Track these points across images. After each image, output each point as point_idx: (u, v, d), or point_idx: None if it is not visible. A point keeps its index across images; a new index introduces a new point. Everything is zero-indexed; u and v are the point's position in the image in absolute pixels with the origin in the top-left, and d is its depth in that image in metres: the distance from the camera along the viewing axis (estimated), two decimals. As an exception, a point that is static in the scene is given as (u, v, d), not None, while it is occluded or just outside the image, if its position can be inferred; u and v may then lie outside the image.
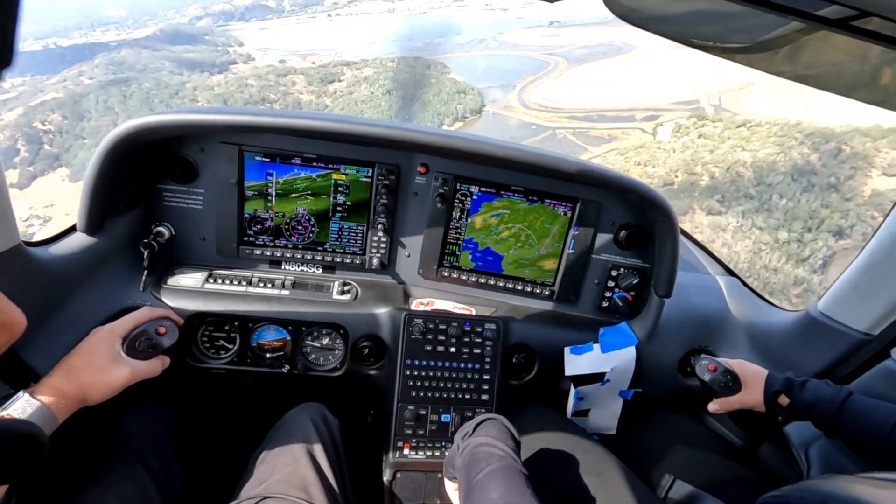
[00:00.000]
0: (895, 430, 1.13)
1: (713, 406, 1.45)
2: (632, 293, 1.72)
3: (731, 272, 2.00)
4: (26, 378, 1.17)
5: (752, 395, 1.39)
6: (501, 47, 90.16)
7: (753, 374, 1.41)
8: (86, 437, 1.24)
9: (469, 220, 1.67)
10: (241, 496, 1.24)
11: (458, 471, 1.17)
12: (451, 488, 1.32)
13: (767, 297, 1.85)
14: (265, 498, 1.20)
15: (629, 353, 1.67)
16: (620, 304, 1.70)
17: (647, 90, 63.02)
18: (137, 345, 1.23)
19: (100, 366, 1.15)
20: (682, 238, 1.59)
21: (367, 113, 57.60)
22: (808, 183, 31.76)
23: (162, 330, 1.28)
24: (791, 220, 29.19)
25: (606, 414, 1.80)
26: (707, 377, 1.44)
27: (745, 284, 1.91)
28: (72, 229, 1.41)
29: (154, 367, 1.25)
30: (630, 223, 1.64)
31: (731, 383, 1.41)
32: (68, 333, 1.27)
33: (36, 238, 1.31)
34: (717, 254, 2.11)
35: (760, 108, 52.26)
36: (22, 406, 0.98)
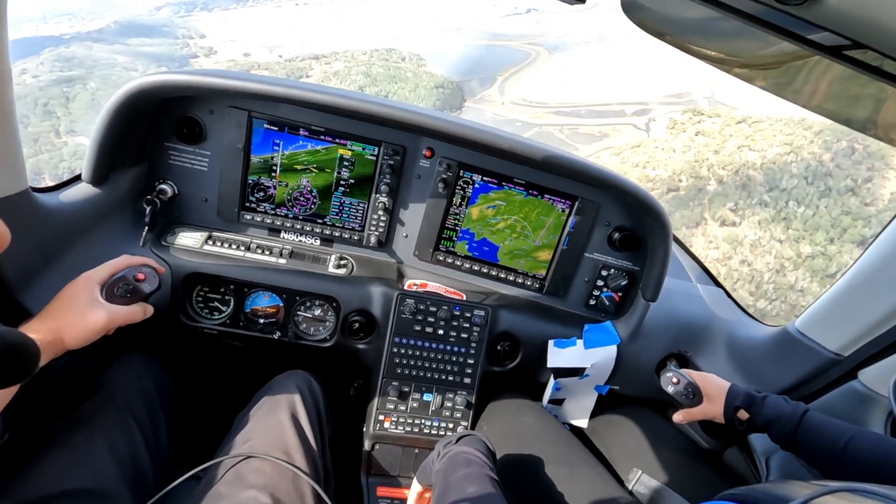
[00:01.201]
0: (847, 447, 1.17)
1: (677, 416, 1.49)
2: (619, 294, 1.76)
3: (717, 283, 2.04)
4: (21, 320, 1.16)
5: (713, 408, 1.43)
6: (479, 36, 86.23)
7: (716, 388, 1.44)
8: (77, 384, 1.28)
9: (466, 210, 1.68)
10: (225, 454, 1.28)
11: (435, 473, 1.20)
12: (416, 491, 1.34)
13: (750, 311, 1.91)
14: (248, 457, 1.23)
15: (610, 351, 1.72)
16: (607, 303, 1.75)
17: (635, 81, 60.26)
18: (116, 290, 1.21)
19: (77, 310, 1.13)
20: (673, 245, 1.61)
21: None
22: (824, 187, 29.38)
23: (141, 276, 1.25)
24: (812, 231, 26.80)
25: (580, 406, 1.86)
26: (670, 389, 1.47)
27: (729, 296, 1.97)
28: (76, 178, 1.42)
29: (132, 311, 1.21)
30: (625, 226, 1.67)
31: (693, 395, 1.45)
32: (66, 280, 1.25)
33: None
34: (708, 265, 2.17)
35: (757, 102, 49.98)
36: None
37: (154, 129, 1.51)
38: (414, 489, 1.34)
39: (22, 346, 0.53)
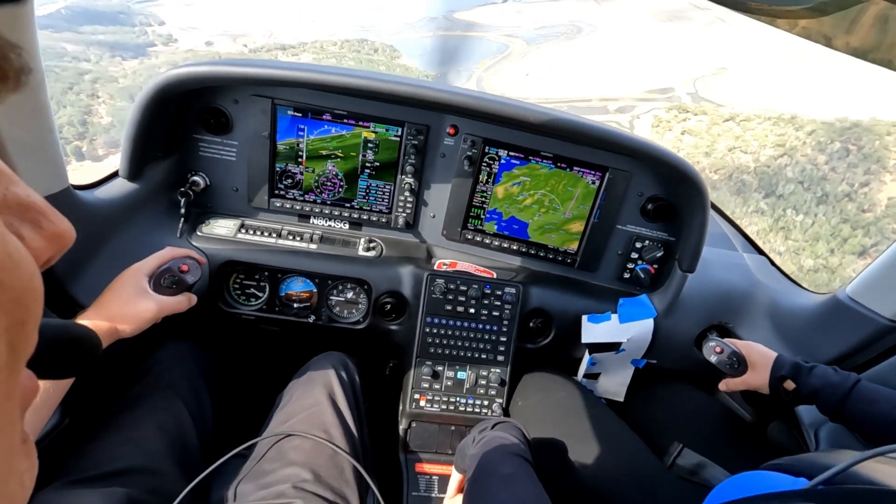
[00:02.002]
0: None
1: (721, 386, 1.47)
2: (655, 266, 1.71)
3: (759, 250, 1.97)
4: (74, 311, 1.23)
5: (757, 378, 1.40)
6: (455, 27, 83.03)
7: (761, 357, 1.41)
8: (127, 370, 1.35)
9: (493, 189, 1.66)
10: (266, 433, 1.34)
11: (470, 458, 1.20)
12: (456, 479, 1.35)
13: (796, 279, 1.83)
14: (288, 435, 1.29)
15: (647, 325, 1.68)
16: (642, 276, 1.69)
17: (615, 76, 58.40)
18: (162, 281, 1.27)
19: (128, 300, 1.20)
20: (711, 212, 1.56)
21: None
22: (821, 192, 27.97)
23: (185, 267, 1.31)
24: (813, 241, 25.36)
25: (616, 380, 1.83)
26: (713, 359, 1.45)
27: (772, 264, 1.88)
28: (114, 175, 1.47)
29: (179, 301, 1.28)
30: (659, 195, 1.61)
31: (737, 365, 1.42)
32: (111, 272, 1.31)
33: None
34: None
35: (741, 97, 48.34)
36: None
37: (182, 122, 1.53)
38: (454, 478, 1.35)
39: (85, 338, 0.56)
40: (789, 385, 1.33)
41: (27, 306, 0.30)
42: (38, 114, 1.04)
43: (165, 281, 1.27)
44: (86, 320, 1.13)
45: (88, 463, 1.10)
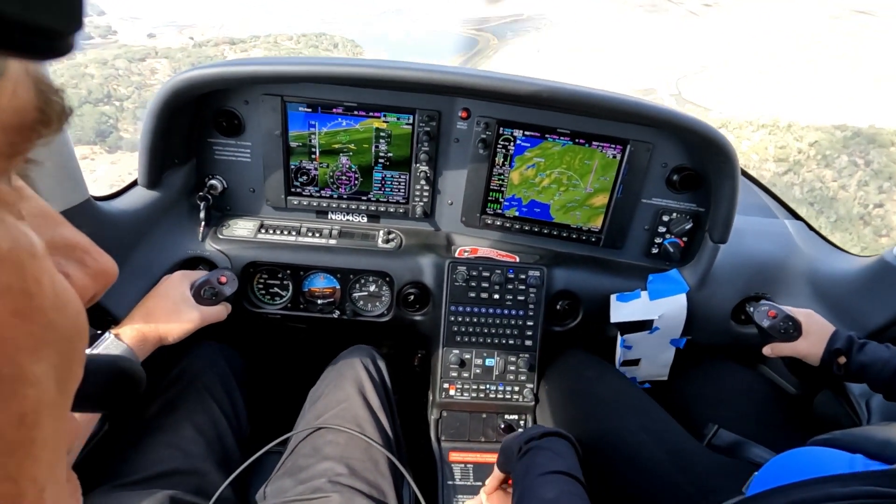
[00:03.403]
0: None
1: (766, 350, 1.42)
2: (684, 238, 1.65)
3: (795, 215, 1.89)
4: (105, 320, 1.28)
5: (809, 347, 1.35)
6: (421, 20, 78.05)
7: (819, 327, 1.36)
8: (162, 374, 1.37)
9: (509, 172, 1.61)
10: (299, 428, 1.37)
11: (515, 473, 1.17)
12: (497, 477, 1.32)
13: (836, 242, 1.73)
14: (320, 429, 1.31)
15: (679, 300, 1.62)
16: (671, 250, 1.64)
17: (594, 75, 55.19)
18: (203, 292, 1.32)
19: (174, 309, 1.26)
20: (741, 179, 1.49)
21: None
22: (835, 216, 25.19)
23: (223, 279, 1.37)
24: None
25: (658, 362, 1.78)
26: (766, 323, 1.40)
27: (810, 228, 1.80)
28: (133, 184, 1.47)
29: (219, 312, 1.36)
30: (684, 165, 1.55)
31: (792, 330, 1.37)
32: (138, 280, 1.37)
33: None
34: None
35: (726, 99, 45.40)
36: (109, 346, 1.11)
37: (196, 127, 1.54)
38: (495, 475, 1.33)
39: (130, 372, 0.55)
40: (842, 359, 1.29)
41: (74, 344, 0.31)
42: None
43: (206, 293, 1.32)
44: (132, 326, 1.18)
45: (132, 467, 1.14)
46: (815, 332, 1.35)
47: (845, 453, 0.86)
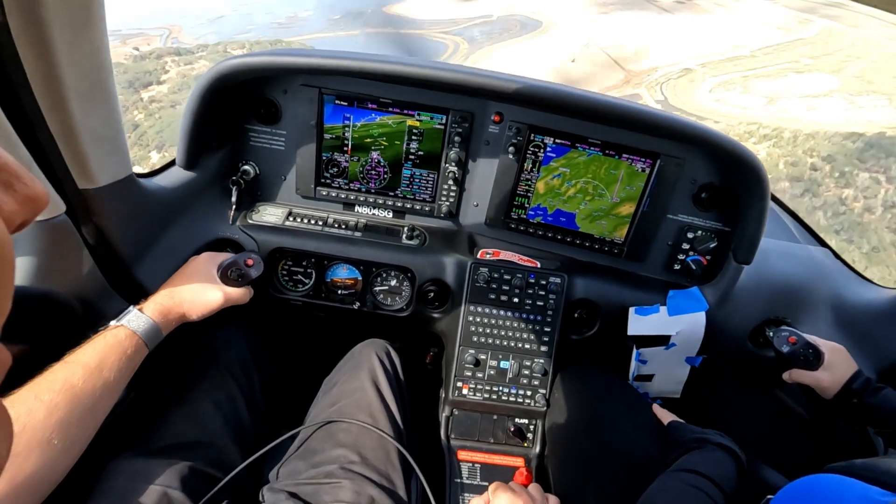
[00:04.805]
0: None
1: (786, 375, 1.42)
2: (707, 257, 1.64)
3: (821, 242, 1.90)
4: (137, 293, 1.30)
5: (828, 379, 1.34)
6: (386, 23, 73.53)
7: (844, 364, 1.35)
8: (185, 350, 1.40)
9: (538, 177, 1.61)
10: (313, 416, 1.40)
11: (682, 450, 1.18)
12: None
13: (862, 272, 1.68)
14: (334, 421, 1.33)
15: (698, 318, 1.61)
16: (694, 267, 1.64)
17: (576, 80, 52.18)
18: (229, 273, 1.34)
19: (198, 288, 1.28)
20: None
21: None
22: (868, 247, 22.29)
23: (250, 262, 1.39)
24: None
25: (671, 379, 1.77)
26: (786, 349, 1.40)
27: (836, 256, 1.78)
28: (171, 164, 1.52)
29: (242, 294, 1.37)
30: (713, 183, 1.55)
31: (812, 358, 1.36)
32: (170, 256, 1.41)
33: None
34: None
35: (713, 105, 42.59)
36: (132, 318, 1.13)
37: (235, 113, 1.58)
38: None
39: (64, 305, 0.50)
40: (854, 400, 1.29)
41: None
42: (108, 104, 1.09)
43: (233, 274, 1.34)
44: (156, 301, 1.20)
45: (155, 435, 1.18)
46: (838, 368, 1.34)
47: (861, 483, 0.86)
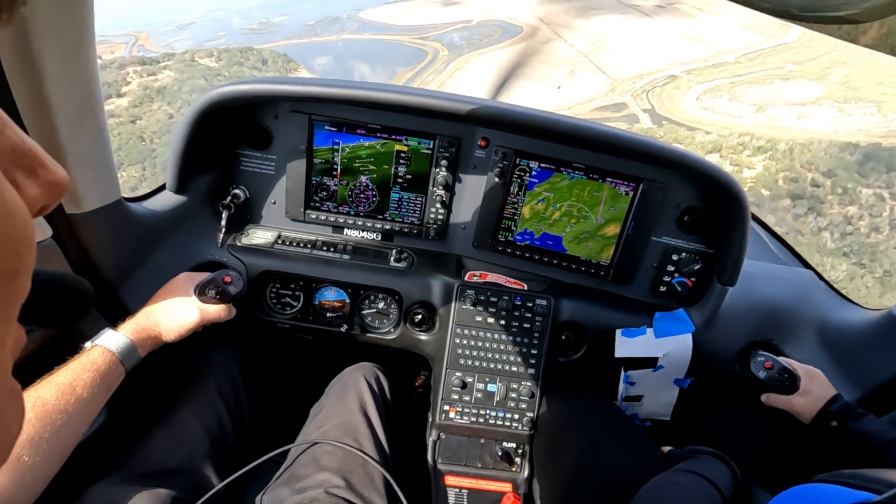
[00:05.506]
0: None
1: (763, 398, 1.45)
2: (692, 279, 1.66)
3: (805, 264, 1.89)
4: (123, 316, 1.29)
5: (805, 405, 1.37)
6: (363, 29, 71.62)
7: (820, 388, 1.38)
8: (173, 372, 1.41)
9: (524, 200, 1.64)
10: (300, 440, 1.39)
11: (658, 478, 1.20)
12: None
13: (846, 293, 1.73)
14: (320, 443, 1.33)
15: (685, 340, 1.62)
16: (679, 289, 1.65)
17: (561, 89, 50.72)
18: (207, 291, 1.33)
19: (173, 307, 1.28)
20: (752, 224, 1.52)
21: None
22: (881, 271, 21.18)
23: (228, 279, 1.37)
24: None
25: (660, 401, 1.77)
26: (762, 374, 1.42)
27: (820, 278, 1.79)
28: (161, 188, 1.54)
29: (220, 311, 1.35)
30: (696, 206, 1.57)
31: (788, 383, 1.39)
32: (157, 279, 1.39)
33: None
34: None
35: (701, 113, 41.76)
36: (107, 337, 1.13)
37: (226, 138, 1.60)
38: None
39: (78, 288, 0.56)
40: (833, 423, 1.31)
41: (20, 255, 0.30)
42: (96, 130, 1.12)
43: (210, 291, 1.33)
44: (134, 321, 1.21)
45: (138, 460, 1.16)
46: (814, 393, 1.37)
47: (851, 490, 0.88)
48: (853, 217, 23.79)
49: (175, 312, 1.27)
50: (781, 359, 1.44)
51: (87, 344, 1.12)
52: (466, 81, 53.20)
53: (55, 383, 0.99)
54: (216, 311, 1.33)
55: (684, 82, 48.90)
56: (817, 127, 36.31)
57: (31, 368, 1.01)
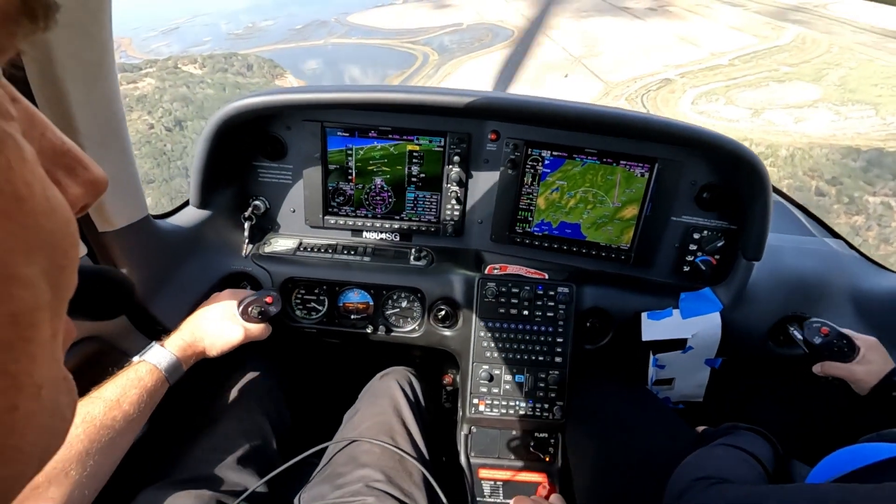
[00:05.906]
0: None
1: (816, 368, 1.39)
2: (716, 256, 1.62)
3: (833, 233, 1.84)
4: (156, 329, 1.36)
5: (866, 374, 1.30)
6: (351, 33, 70.32)
7: (882, 359, 1.32)
8: (212, 384, 1.46)
9: (538, 190, 1.63)
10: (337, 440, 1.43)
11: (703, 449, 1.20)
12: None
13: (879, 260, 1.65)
14: (354, 441, 1.36)
15: (713, 319, 1.57)
16: (703, 268, 1.61)
17: (554, 93, 50.07)
18: (250, 310, 1.37)
19: (220, 326, 1.32)
20: (775, 196, 1.50)
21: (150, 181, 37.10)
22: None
23: (269, 300, 1.41)
24: None
25: (692, 382, 1.73)
26: (818, 340, 1.37)
27: (851, 246, 1.74)
28: (185, 204, 1.59)
29: (262, 330, 1.41)
30: (713, 183, 1.53)
31: (846, 349, 1.33)
32: (187, 293, 1.45)
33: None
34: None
35: (697, 117, 41.03)
36: (154, 354, 1.17)
37: (244, 152, 1.64)
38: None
39: (121, 281, 0.57)
40: (895, 393, 1.26)
41: (65, 251, 0.31)
42: (122, 150, 1.16)
43: (253, 311, 1.37)
44: (179, 337, 1.25)
45: (183, 466, 1.21)
46: (876, 362, 1.31)
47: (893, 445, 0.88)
48: (861, 227, 23.02)
49: (221, 330, 1.32)
50: (843, 329, 1.37)
51: (135, 358, 1.15)
52: (458, 85, 52.32)
53: (103, 399, 1.02)
54: (258, 330, 1.39)
55: (679, 86, 48.07)
56: (815, 131, 35.66)
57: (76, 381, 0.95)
